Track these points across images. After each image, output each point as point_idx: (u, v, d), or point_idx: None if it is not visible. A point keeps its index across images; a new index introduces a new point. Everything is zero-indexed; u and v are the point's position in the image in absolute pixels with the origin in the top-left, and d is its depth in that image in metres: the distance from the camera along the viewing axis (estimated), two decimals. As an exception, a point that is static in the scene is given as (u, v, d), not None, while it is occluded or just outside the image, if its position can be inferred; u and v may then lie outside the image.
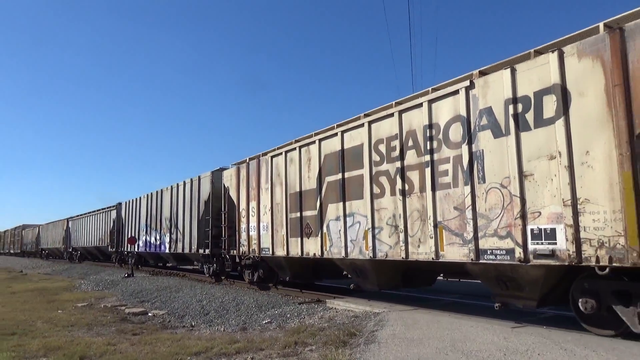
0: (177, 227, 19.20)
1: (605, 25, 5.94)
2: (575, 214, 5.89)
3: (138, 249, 24.32)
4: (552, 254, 6.15)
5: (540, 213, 6.33)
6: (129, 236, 24.32)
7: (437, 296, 11.07)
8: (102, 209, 31.32)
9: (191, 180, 18.14)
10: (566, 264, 6.00)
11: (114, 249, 28.83)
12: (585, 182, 5.84)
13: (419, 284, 10.04)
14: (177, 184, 19.58)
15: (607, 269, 5.62)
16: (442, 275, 9.46)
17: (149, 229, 22.79)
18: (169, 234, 20.17)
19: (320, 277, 12.80)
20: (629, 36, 5.52)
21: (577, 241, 5.86)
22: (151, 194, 22.85)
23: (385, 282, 9.77)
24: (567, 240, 5.96)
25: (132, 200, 25.64)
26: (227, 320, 9.94)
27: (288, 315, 9.61)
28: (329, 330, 7.73)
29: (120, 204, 28.21)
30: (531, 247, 6.41)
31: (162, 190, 21.40)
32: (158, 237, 21.61)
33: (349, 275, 11.06)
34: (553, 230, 6.17)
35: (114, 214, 28.69)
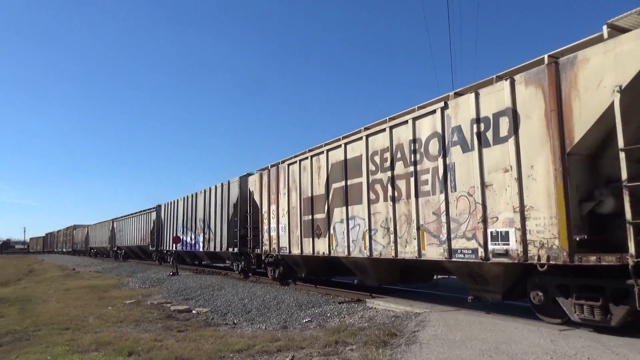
0: (210, 228, 20.74)
1: (549, 56, 7.02)
2: (523, 219, 6.98)
3: (174, 248, 25.58)
4: (506, 253, 7.24)
5: (497, 218, 7.45)
6: (174, 235, 25.21)
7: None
8: (143, 210, 33.46)
9: (222, 184, 19.61)
10: (516, 261, 7.08)
11: (154, 248, 30.72)
12: (530, 192, 6.93)
13: (417, 280, 10.97)
14: (210, 188, 21.01)
15: (546, 266, 6.66)
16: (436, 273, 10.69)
17: (185, 229, 24.60)
18: (202, 234, 21.69)
19: (333, 274, 13.69)
20: (562, 69, 6.60)
21: (524, 242, 6.95)
22: (186, 197, 24.44)
23: (384, 278, 10.93)
24: (516, 241, 7.06)
25: (170, 202, 27.50)
26: (268, 319, 10.08)
27: (328, 315, 9.65)
28: (370, 330, 7.71)
29: (159, 206, 30.13)
30: (490, 247, 7.51)
31: (196, 194, 23.03)
32: (193, 237, 23.26)
33: (354, 272, 11.97)
34: (507, 233, 7.27)
35: (154, 215, 30.69)
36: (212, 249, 20.54)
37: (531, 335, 6.29)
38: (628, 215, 5.76)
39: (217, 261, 23.11)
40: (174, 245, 24.66)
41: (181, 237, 25.32)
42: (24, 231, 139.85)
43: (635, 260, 5.70)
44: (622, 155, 5.87)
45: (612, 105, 5.97)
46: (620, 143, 5.87)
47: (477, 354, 5.64)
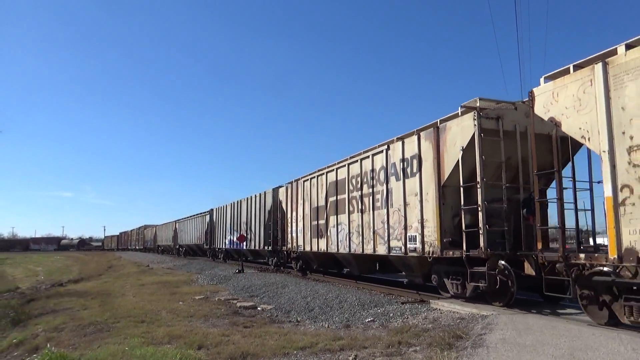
0: (251, 229, 24.91)
1: (439, 121, 11.01)
2: (422, 228, 10.73)
3: (225, 246, 30.14)
4: (415, 250, 11.00)
5: (411, 226, 11.19)
6: (239, 234, 26.35)
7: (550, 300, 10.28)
8: (199, 213, 38.17)
9: (259, 194, 23.73)
10: (420, 255, 10.79)
11: (207, 246, 35.09)
12: (426, 210, 10.69)
13: (390, 271, 13.65)
14: (251, 197, 25.16)
15: (432, 258, 10.55)
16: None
17: (232, 230, 28.58)
18: (245, 235, 25.68)
19: (335, 266, 16.97)
20: (440, 132, 10.41)
21: (423, 242, 10.71)
22: (233, 202, 28.62)
23: (364, 269, 14.66)
24: (419, 242, 10.79)
25: (220, 207, 31.67)
26: (331, 317, 10.14)
27: (391, 315, 9.56)
28: (434, 331, 7.55)
29: (212, 210, 34.25)
30: (408, 245, 11.26)
31: (240, 201, 27.15)
32: (238, 237, 26.73)
33: (344, 264, 15.75)
34: (415, 236, 11.00)
35: (207, 217, 35.16)
36: (252, 247, 24.51)
37: (610, 343, 5.89)
38: (464, 224, 9.64)
39: (257, 257, 26.60)
40: (240, 243, 25.73)
41: (229, 236, 29.16)
42: (104, 230, 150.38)
43: (465, 253, 9.48)
44: (476, 186, 9.50)
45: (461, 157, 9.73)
46: (462, 182, 9.78)
47: (549, 360, 5.36)
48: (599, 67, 7.02)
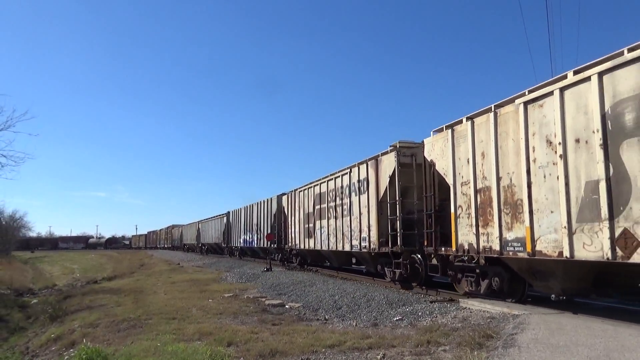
0: (260, 230, 29.02)
1: (381, 153, 14.26)
2: (369, 231, 14.24)
3: (240, 244, 34.08)
4: (365, 247, 14.56)
5: (364, 230, 14.68)
6: (267, 233, 26.94)
7: (586, 299, 10.00)
8: (218, 215, 42.39)
9: (266, 200, 27.84)
10: (368, 251, 14.39)
11: (225, 245, 39.27)
12: (371, 218, 14.26)
13: (362, 264, 17.27)
14: (260, 202, 29.25)
15: (374, 253, 14.16)
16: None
17: (245, 230, 32.61)
18: (257, 234, 29.75)
19: (324, 261, 20.76)
20: (379, 163, 14.01)
21: (369, 241, 14.23)
22: (246, 206, 32.35)
23: (341, 262, 18.67)
24: (368, 241, 14.35)
25: (236, 210, 35.47)
26: (359, 316, 10.12)
27: (419, 313, 9.48)
28: (463, 330, 7.45)
29: (228, 212, 38.01)
30: (362, 244, 14.80)
31: (252, 205, 31.03)
32: (250, 236, 31.39)
33: (328, 259, 20.06)
34: (366, 237, 14.55)
35: (225, 219, 39.10)
36: (262, 245, 28.76)
37: (648, 344, 5.69)
38: (389, 229, 13.46)
39: (267, 254, 29.07)
40: (268, 242, 26.20)
41: (243, 236, 33.14)
42: (136, 228, 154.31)
43: (390, 249, 13.21)
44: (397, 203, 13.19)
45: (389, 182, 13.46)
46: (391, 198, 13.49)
47: (584, 361, 5.22)
48: (449, 132, 10.80)
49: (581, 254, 7.32)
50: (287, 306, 12.15)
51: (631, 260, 6.51)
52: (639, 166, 6.49)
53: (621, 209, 6.71)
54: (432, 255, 11.84)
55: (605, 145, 6.96)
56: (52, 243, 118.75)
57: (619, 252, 6.68)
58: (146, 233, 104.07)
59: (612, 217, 6.85)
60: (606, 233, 6.88)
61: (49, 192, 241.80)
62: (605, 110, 6.98)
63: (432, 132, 11.82)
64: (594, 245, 7.12)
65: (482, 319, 8.28)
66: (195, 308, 11.91)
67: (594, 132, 7.13)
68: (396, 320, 9.25)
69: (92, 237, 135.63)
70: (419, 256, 12.53)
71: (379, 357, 6.39)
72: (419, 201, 12.60)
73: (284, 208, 24.74)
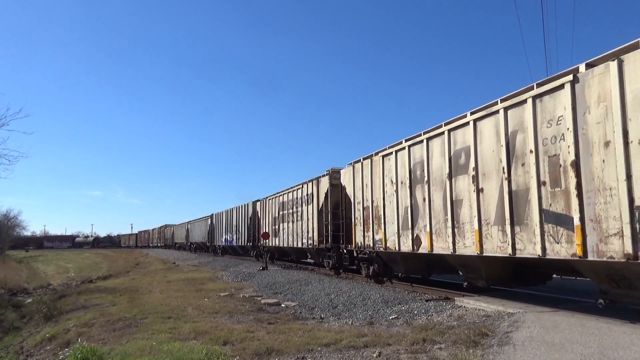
0: (238, 230, 33.50)
1: (322, 175, 19.31)
2: (313, 233, 19.48)
3: (221, 243, 38.97)
4: (311, 244, 19.81)
5: (309, 231, 19.90)
6: (263, 232, 26.98)
7: (581, 297, 10.06)
8: (203, 217, 47.13)
9: (244, 205, 32.31)
10: (311, 247, 19.80)
11: (209, 243, 43.99)
12: (315, 223, 19.34)
13: (315, 259, 21.25)
14: (238, 206, 33.66)
15: (316, 249, 19.40)
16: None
17: (226, 230, 37.19)
18: (235, 234, 34.17)
19: (287, 256, 25.72)
20: (320, 182, 19.31)
21: (313, 240, 19.40)
22: (227, 210, 36.97)
23: (299, 257, 23.89)
24: (312, 239, 19.59)
25: (219, 212, 40.37)
26: (355, 314, 10.13)
27: (415, 312, 9.50)
28: (459, 329, 7.48)
29: (212, 214, 43.02)
30: (309, 242, 20.06)
31: (232, 209, 35.51)
32: (231, 236, 35.81)
33: (289, 254, 24.89)
34: (311, 237, 19.78)
35: (209, 220, 43.95)
36: (240, 244, 33.20)
37: (642, 341, 5.73)
38: (324, 231, 18.53)
39: (245, 252, 33.61)
40: (263, 240, 26.35)
41: (224, 235, 37.58)
42: (131, 228, 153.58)
43: (325, 245, 18.25)
44: (329, 212, 18.12)
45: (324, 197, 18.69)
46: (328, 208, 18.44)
47: (578, 359, 5.25)
48: (351, 167, 15.59)
49: (403, 249, 12.39)
50: (283, 305, 12.15)
51: (419, 252, 11.69)
52: (421, 200, 11.52)
53: (415, 223, 11.83)
54: (345, 250, 16.79)
55: (410, 187, 12.05)
56: (36, 242, 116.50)
57: (415, 247, 11.80)
58: (137, 232, 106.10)
59: (412, 228, 11.92)
60: (410, 236, 11.99)
61: (44, 191, 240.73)
62: (411, 166, 12.03)
63: (347, 165, 16.41)
64: (407, 244, 12.16)
65: (477, 317, 8.31)
66: (191, 307, 11.88)
67: (407, 178, 12.16)
68: (392, 318, 9.26)
69: (79, 235, 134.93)
70: (344, 250, 16.97)
71: (374, 355, 6.40)
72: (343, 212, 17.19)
73: (257, 212, 29.53)
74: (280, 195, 24.53)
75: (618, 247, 6.56)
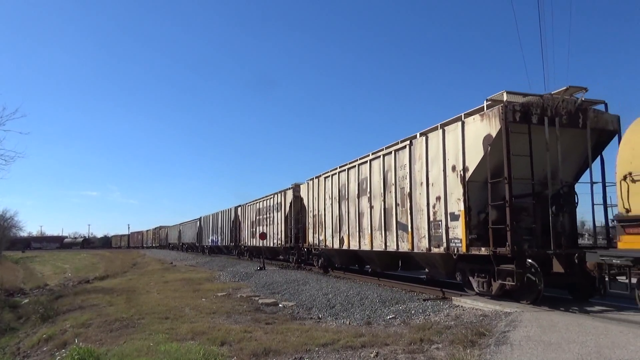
0: (223, 232, 38.38)
1: (287, 188, 24.16)
2: (281, 234, 24.18)
3: (208, 243, 43.58)
4: (280, 244, 24.56)
5: (278, 234, 24.70)
6: (260, 232, 27.06)
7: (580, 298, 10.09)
8: (193, 219, 52.01)
9: (227, 209, 37.01)
10: (280, 246, 24.61)
11: (198, 244, 48.71)
12: (281, 226, 24.26)
13: (278, 256, 26.97)
14: (223, 211, 38.71)
15: (282, 247, 24.44)
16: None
17: (213, 232, 42.01)
18: (220, 235, 39.03)
19: (260, 254, 27.21)
20: (285, 194, 24.10)
21: (281, 240, 24.26)
22: (214, 214, 41.90)
23: (272, 255, 27.87)
24: (280, 240, 24.57)
25: (206, 216, 45.22)
26: (352, 314, 10.14)
27: (412, 312, 9.51)
28: (456, 328, 7.49)
29: (200, 217, 47.80)
30: (278, 242, 24.78)
31: (217, 213, 40.47)
32: (216, 237, 40.79)
33: (265, 253, 27.12)
34: (280, 237, 24.44)
35: (198, 223, 48.68)
36: (224, 244, 38.30)
37: (638, 341, 5.76)
38: (293, 234, 23.48)
39: (229, 251, 38.14)
40: (260, 240, 26.35)
41: (211, 237, 42.29)
42: (128, 228, 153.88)
43: (290, 244, 23.43)
44: (292, 219, 23.28)
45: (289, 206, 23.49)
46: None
47: (575, 358, 5.27)
48: (309, 182, 20.02)
49: (335, 247, 16.98)
50: (280, 305, 12.14)
51: (344, 248, 16.37)
52: (344, 211, 16.17)
53: (341, 228, 16.51)
54: (305, 249, 20.67)
55: (339, 202, 16.74)
56: (23, 243, 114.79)
57: (341, 245, 16.36)
58: (129, 233, 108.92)
59: (340, 231, 16.55)
60: (338, 238, 16.77)
61: (40, 191, 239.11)
62: (339, 187, 16.81)
63: (305, 181, 20.85)
64: (337, 243, 16.74)
65: (474, 317, 8.32)
66: (188, 307, 11.87)
67: (337, 195, 16.93)
68: (389, 318, 9.27)
69: (68, 236, 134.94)
70: (304, 249, 21.00)
71: (372, 355, 6.41)
72: (298, 217, 22.03)
73: (238, 216, 34.11)
74: (257, 202, 29.26)
75: (424, 245, 11.30)
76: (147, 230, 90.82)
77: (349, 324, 9.24)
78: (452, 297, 10.40)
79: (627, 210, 7.32)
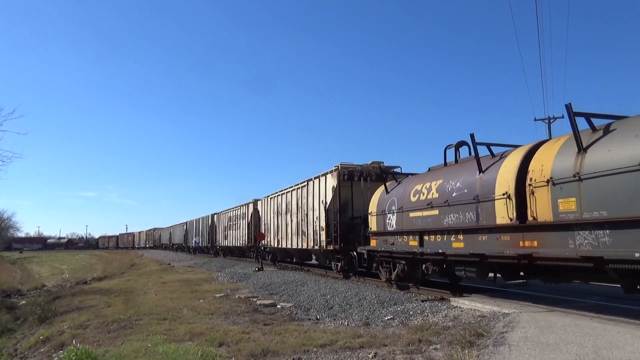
0: (202, 234, 46.39)
1: (249, 203, 32.31)
2: (245, 236, 32.48)
3: (192, 244, 50.67)
4: (245, 244, 32.45)
5: (243, 236, 32.78)
6: (257, 232, 27.20)
7: (576, 298, 10.12)
8: (180, 223, 60.17)
9: (206, 216, 44.75)
10: (245, 245, 32.64)
11: (185, 244, 55.60)
12: (246, 230, 32.37)
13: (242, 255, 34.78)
14: (203, 217, 46.62)
15: (246, 246, 31.98)
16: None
17: (195, 234, 49.41)
18: (201, 237, 46.67)
19: (232, 252, 37.27)
20: (247, 206, 32.21)
21: (246, 241, 32.56)
22: (197, 219, 49.38)
23: (239, 253, 35.33)
24: (244, 240, 33.17)
25: (191, 220, 52.81)
26: (350, 315, 10.13)
27: (411, 313, 9.52)
28: (454, 329, 7.50)
29: (187, 222, 55.57)
30: (243, 242, 32.58)
31: (200, 218, 47.87)
32: (198, 238, 48.16)
33: (235, 252, 37.00)
34: (245, 239, 32.33)
35: (185, 226, 56.37)
36: (204, 244, 45.56)
37: (636, 341, 5.77)
38: (252, 237, 32.27)
39: (207, 250, 44.81)
40: (258, 241, 26.53)
41: (195, 238, 49.55)
42: (126, 228, 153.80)
43: (250, 245, 31.19)
44: (253, 226, 31.33)
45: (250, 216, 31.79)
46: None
47: (573, 359, 5.28)
48: (261, 200, 29.30)
49: (276, 246, 24.87)
50: (278, 306, 12.13)
51: (280, 247, 24.46)
52: (282, 222, 24.06)
53: (279, 233, 24.45)
54: (264, 247, 27.08)
55: (278, 215, 24.62)
56: (5, 244, 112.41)
57: (279, 245, 24.27)
58: (118, 234, 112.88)
59: (278, 235, 24.40)
60: (278, 240, 24.55)
61: (38, 192, 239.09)
62: (278, 205, 24.78)
63: (262, 198, 28.42)
64: (276, 244, 24.80)
65: (472, 318, 8.33)
66: (186, 308, 11.85)
67: (277, 210, 24.84)
68: (387, 319, 9.27)
69: (51, 237, 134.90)
70: (262, 247, 27.12)
71: (370, 356, 6.41)
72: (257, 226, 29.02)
73: (214, 222, 42.01)
74: (229, 211, 37.11)
75: (312, 244, 19.26)
76: (139, 232, 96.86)
77: (347, 324, 9.24)
78: (450, 298, 10.42)
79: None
